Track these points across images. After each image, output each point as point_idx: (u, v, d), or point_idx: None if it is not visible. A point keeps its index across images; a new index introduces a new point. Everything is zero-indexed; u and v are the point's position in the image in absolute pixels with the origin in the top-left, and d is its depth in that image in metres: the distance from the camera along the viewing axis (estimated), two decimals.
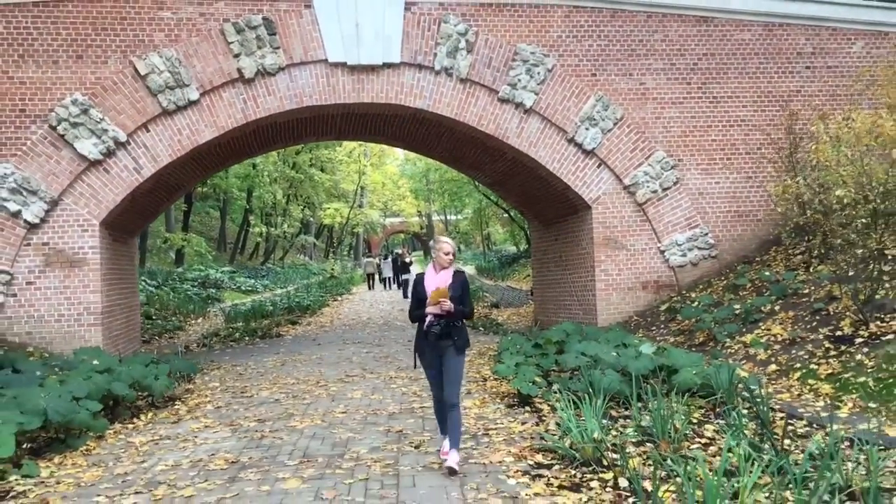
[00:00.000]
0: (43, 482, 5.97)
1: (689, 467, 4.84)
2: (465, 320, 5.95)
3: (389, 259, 42.84)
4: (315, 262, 58.10)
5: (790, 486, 4.85)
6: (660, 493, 4.72)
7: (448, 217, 65.47)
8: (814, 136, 10.34)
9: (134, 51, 11.97)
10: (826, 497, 4.58)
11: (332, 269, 48.48)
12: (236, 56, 12.22)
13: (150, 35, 12.04)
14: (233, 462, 6.29)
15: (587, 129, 13.20)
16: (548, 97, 13.14)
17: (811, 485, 4.86)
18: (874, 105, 12.36)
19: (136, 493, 5.59)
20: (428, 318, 5.80)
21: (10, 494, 5.68)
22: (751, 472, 4.77)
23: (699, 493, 4.46)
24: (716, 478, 4.36)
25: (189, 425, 7.85)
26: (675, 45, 13.54)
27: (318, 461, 6.19)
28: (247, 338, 16.80)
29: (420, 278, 6.03)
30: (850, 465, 5.22)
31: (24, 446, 6.87)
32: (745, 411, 7.03)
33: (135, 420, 8.29)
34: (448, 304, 5.68)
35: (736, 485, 4.71)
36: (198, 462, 6.34)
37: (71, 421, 6.90)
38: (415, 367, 6.08)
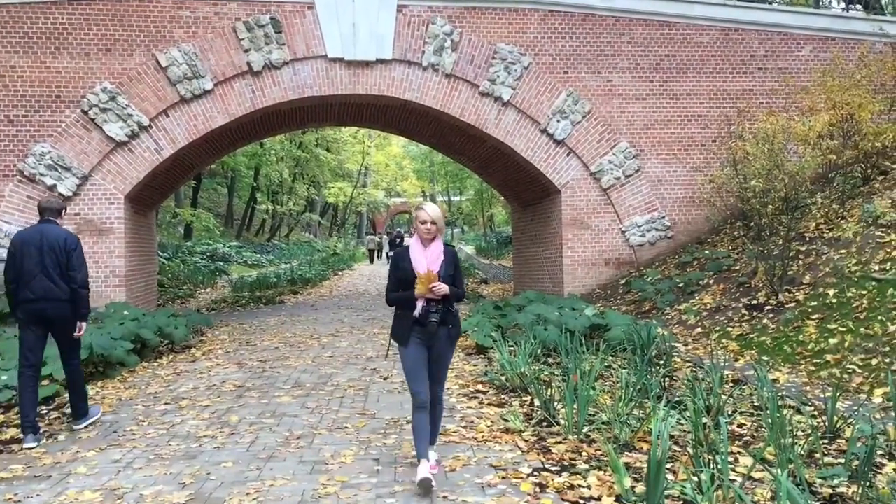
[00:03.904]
0: (91, 397, 7.67)
1: (584, 390, 6.49)
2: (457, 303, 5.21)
3: (388, 237, 46.39)
4: (319, 239, 59.82)
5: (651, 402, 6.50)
6: (554, 404, 6.39)
7: (451, 198, 67.04)
8: (741, 135, 11.91)
9: (156, 45, 13.57)
10: (690, 413, 6.21)
11: (336, 247, 50.24)
12: (246, 51, 13.82)
13: (171, 31, 13.64)
14: (239, 386, 8.01)
15: (558, 121, 14.78)
16: (523, 92, 14.71)
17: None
18: (800, 108, 13.91)
19: (166, 404, 7.31)
20: (420, 305, 4.85)
21: (67, 405, 7.36)
22: (623, 390, 6.44)
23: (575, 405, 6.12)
24: (586, 389, 6.02)
25: (204, 364, 9.58)
26: (640, 47, 15.08)
27: (306, 386, 7.91)
28: (252, 304, 18.52)
29: (403, 254, 5.01)
30: (723, 395, 6.85)
31: None
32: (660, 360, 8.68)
33: (158, 360, 10.02)
34: (443, 287, 4.81)
35: (598, 394, 6.39)
36: (212, 386, 8.06)
37: (110, 355, 8.60)
38: (386, 357, 5.55)
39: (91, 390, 7.97)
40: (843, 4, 30.54)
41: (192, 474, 5.07)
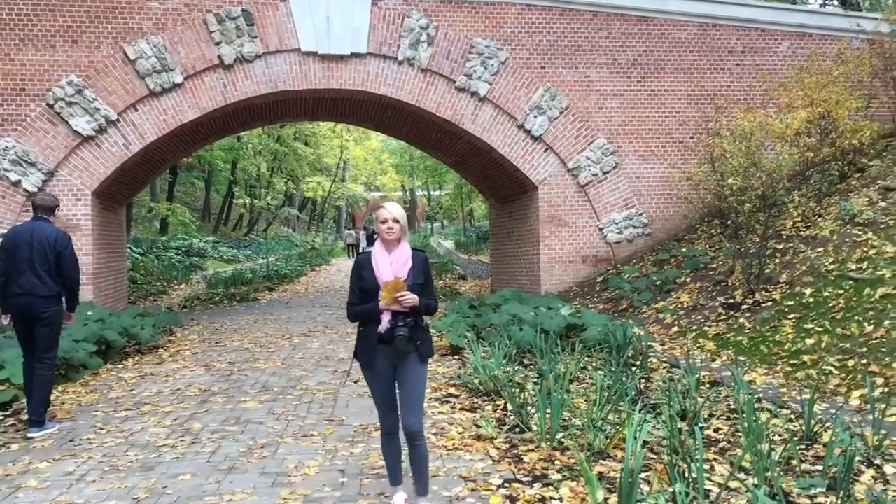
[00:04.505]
0: (50, 403, 7.39)
1: (558, 394, 6.33)
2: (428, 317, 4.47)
3: (365, 233, 45.93)
4: (298, 234, 59.39)
5: (628, 406, 6.35)
6: (528, 409, 6.23)
7: (431, 192, 66.79)
8: (718, 132, 11.80)
9: (124, 37, 13.24)
10: (665, 418, 6.07)
11: (314, 241, 49.90)
12: (217, 44, 13.51)
13: (140, 23, 13.31)
14: (205, 391, 7.77)
15: (536, 116, 14.61)
16: (500, 87, 14.53)
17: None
18: (777, 104, 13.84)
19: (127, 410, 7.06)
20: (385, 319, 4.17)
21: (24, 411, 7.10)
22: (601, 396, 6.28)
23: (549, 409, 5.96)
24: (559, 394, 5.85)
25: (170, 366, 9.33)
26: (618, 42, 14.94)
27: (273, 390, 7.69)
28: (225, 301, 18.22)
29: (365, 261, 4.32)
30: (699, 399, 6.72)
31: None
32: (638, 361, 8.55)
33: (123, 362, 9.74)
34: (412, 298, 4.13)
35: (572, 398, 6.23)
36: (176, 390, 7.82)
37: (72, 358, 8.33)
38: (345, 382, 4.44)
39: (52, 394, 7.70)
40: (820, 0, 30.71)
41: (147, 488, 4.85)
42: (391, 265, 4.21)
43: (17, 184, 12.74)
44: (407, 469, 4.54)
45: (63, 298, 6.66)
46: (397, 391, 4.30)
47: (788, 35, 15.37)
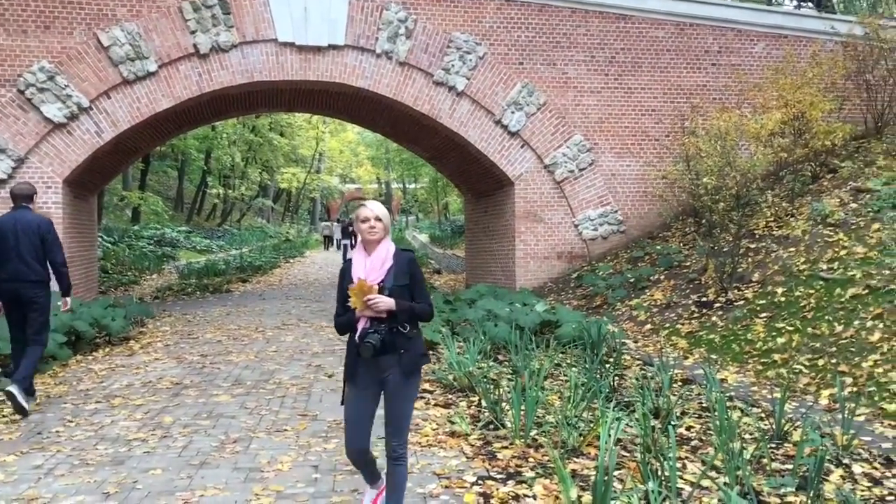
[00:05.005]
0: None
1: (532, 391, 6.34)
2: (418, 323, 3.99)
3: (340, 225, 45.73)
4: (272, 225, 59.01)
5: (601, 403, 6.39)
6: (502, 405, 6.23)
7: (406, 185, 66.68)
8: (693, 131, 11.89)
9: (98, 24, 13.02)
10: (639, 416, 6.10)
11: (288, 233, 49.62)
12: (192, 32, 13.34)
13: (113, 10, 13.10)
14: (177, 384, 7.69)
15: (513, 112, 14.61)
16: (478, 82, 14.50)
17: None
18: (752, 105, 13.97)
19: (97, 402, 6.97)
20: (361, 325, 3.84)
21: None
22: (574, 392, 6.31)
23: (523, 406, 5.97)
24: (534, 391, 5.86)
25: (141, 358, 9.22)
26: (596, 40, 14.98)
27: (246, 384, 7.63)
28: (198, 293, 18.05)
29: (347, 268, 3.98)
30: (672, 397, 6.76)
31: None
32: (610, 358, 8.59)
33: (94, 353, 9.61)
34: (383, 301, 3.74)
35: (547, 395, 6.24)
36: (147, 383, 7.73)
37: None
38: (342, 402, 4.01)
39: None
40: (795, 2, 31.02)
41: (117, 482, 4.79)
42: (365, 267, 3.85)
43: None
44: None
45: (52, 283, 7.01)
46: (382, 411, 3.94)
47: (764, 36, 15.50)
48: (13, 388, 6.43)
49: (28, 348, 6.83)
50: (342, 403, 3.98)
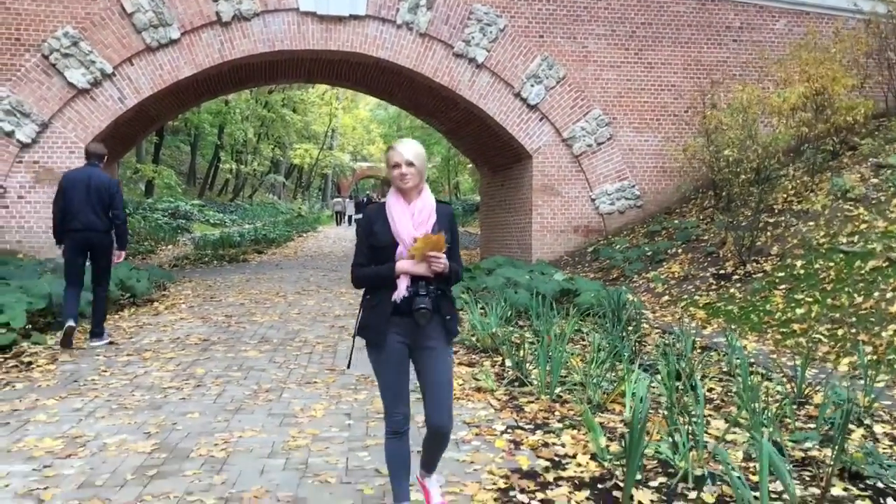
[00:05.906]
0: (50, 348, 7.45)
1: (557, 352, 6.44)
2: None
3: (353, 200, 46.92)
4: (284, 201, 59.15)
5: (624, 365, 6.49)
6: (526, 366, 6.34)
7: None
8: (715, 104, 11.90)
9: None
10: (662, 376, 6.19)
11: (300, 209, 49.77)
12: (215, 0, 13.38)
13: None
14: (205, 340, 7.84)
15: (532, 85, 14.63)
16: (498, 55, 14.51)
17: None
18: (773, 81, 13.94)
19: (128, 355, 7.11)
20: (402, 285, 3.28)
21: (25, 354, 7.15)
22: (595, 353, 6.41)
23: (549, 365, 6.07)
24: (559, 351, 5.97)
25: (167, 317, 9.37)
26: (617, 14, 14.95)
27: (273, 342, 7.77)
28: (215, 262, 18.22)
29: (376, 213, 3.41)
30: (693, 360, 6.86)
31: (27, 326, 8.30)
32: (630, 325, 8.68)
33: (120, 313, 9.76)
34: (444, 261, 3.25)
35: (569, 355, 6.35)
36: (176, 339, 7.88)
37: None
38: (348, 366, 3.88)
39: (50, 340, 7.75)
40: None
41: (157, 424, 4.92)
42: (413, 217, 3.32)
43: (10, 134, 12.63)
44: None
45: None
46: (414, 378, 3.48)
47: (786, 12, 15.43)
48: (95, 343, 7.54)
49: (96, 298, 7.66)
50: (348, 367, 3.81)
